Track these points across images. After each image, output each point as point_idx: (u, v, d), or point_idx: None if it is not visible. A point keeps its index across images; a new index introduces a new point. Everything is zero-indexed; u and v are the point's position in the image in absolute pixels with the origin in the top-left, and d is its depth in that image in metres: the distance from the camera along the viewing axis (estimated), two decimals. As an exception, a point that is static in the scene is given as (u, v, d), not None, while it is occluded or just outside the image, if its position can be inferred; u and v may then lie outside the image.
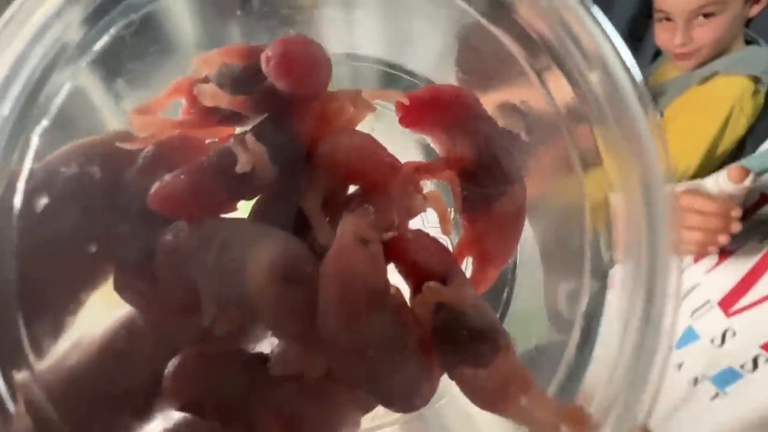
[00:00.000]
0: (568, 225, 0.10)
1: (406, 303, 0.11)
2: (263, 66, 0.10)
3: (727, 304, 0.45)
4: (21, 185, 0.10)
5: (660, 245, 0.07)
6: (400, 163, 0.11)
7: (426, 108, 0.12)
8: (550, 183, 0.11)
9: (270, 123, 0.11)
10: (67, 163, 0.11)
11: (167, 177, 0.11)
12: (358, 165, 0.11)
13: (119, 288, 0.12)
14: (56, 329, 0.10)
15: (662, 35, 0.71)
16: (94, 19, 0.11)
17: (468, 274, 0.12)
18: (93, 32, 0.11)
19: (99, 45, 0.11)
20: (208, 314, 0.11)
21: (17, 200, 0.10)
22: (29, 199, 0.10)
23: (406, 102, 0.12)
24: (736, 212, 0.40)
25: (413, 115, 0.12)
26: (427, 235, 0.11)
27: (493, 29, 0.10)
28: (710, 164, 0.75)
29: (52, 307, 0.10)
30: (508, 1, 0.09)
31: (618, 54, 0.08)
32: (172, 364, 0.11)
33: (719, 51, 0.69)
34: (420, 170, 0.12)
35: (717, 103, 0.69)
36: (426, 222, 0.12)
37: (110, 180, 0.11)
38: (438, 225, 0.12)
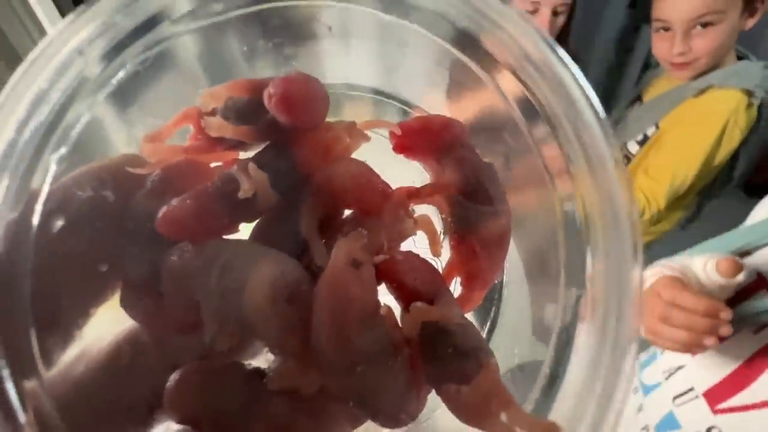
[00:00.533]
0: (547, 247, 0.11)
1: (396, 322, 0.12)
2: (266, 102, 0.11)
3: (713, 398, 0.41)
4: (39, 206, 0.11)
5: (626, 280, 0.08)
6: (391, 189, 0.12)
7: (417, 136, 0.13)
8: (531, 206, 0.12)
9: (271, 151, 0.12)
10: (81, 186, 0.11)
11: (174, 201, 0.12)
12: (353, 191, 0.12)
13: (126, 304, 0.12)
14: (66, 341, 0.11)
15: (660, 45, 0.73)
16: (112, 55, 0.12)
17: (456, 294, 0.13)
18: (110, 68, 0.12)
19: (115, 79, 0.12)
20: (209, 331, 0.12)
21: (35, 220, 0.11)
22: (46, 220, 0.11)
23: (398, 132, 0.13)
24: (726, 314, 0.35)
25: (405, 143, 0.13)
26: (417, 256, 0.12)
27: (465, 59, 0.11)
28: (707, 174, 0.77)
29: (63, 320, 0.11)
30: (475, 35, 0.10)
31: (575, 77, 0.09)
32: (173, 378, 0.12)
33: (715, 62, 0.71)
34: (411, 195, 0.13)
35: (712, 116, 0.71)
36: (417, 244, 0.13)
37: (120, 202, 0.12)
38: (428, 247, 0.13)
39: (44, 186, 0.12)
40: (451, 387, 0.10)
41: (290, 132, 0.12)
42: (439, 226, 0.13)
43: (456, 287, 0.13)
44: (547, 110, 0.09)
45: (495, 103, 0.11)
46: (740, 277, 0.37)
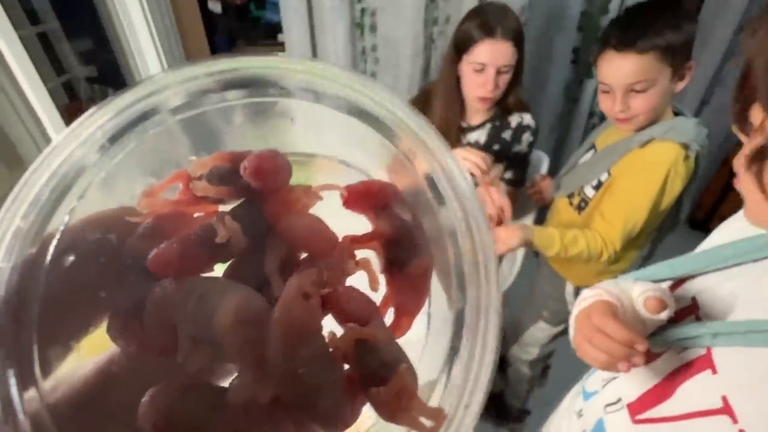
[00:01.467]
0: (447, 286, 0.15)
1: (338, 345, 0.15)
2: (242, 172, 0.15)
3: (634, 409, 0.45)
4: (52, 247, 0.14)
5: (491, 307, 0.12)
6: (337, 237, 0.16)
7: (360, 196, 0.17)
8: (440, 253, 0.16)
9: (244, 206, 0.16)
10: (90, 230, 0.15)
11: (162, 245, 0.15)
12: (307, 239, 0.16)
13: (112, 332, 0.15)
14: (65, 351, 0.14)
15: (605, 102, 0.85)
16: (118, 135, 0.16)
17: (390, 321, 0.17)
18: (117, 145, 0.16)
19: (122, 152, 0.16)
20: (183, 351, 0.15)
21: (47, 258, 0.14)
22: (59, 255, 0.14)
23: (345, 193, 0.17)
24: (641, 346, 0.41)
25: (351, 201, 0.17)
26: (355, 289, 0.15)
27: (394, 148, 0.15)
28: (656, 218, 0.86)
29: (65, 336, 0.14)
30: (399, 136, 0.15)
31: (464, 177, 0.14)
32: (147, 395, 0.15)
33: (654, 118, 0.83)
34: (354, 241, 0.17)
35: (655, 166, 0.81)
36: (360, 281, 0.17)
37: (120, 244, 0.16)
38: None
39: (58, 231, 0.15)
40: (374, 390, 0.13)
41: (260, 193, 0.16)
42: (377, 266, 0.17)
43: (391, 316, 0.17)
44: (443, 189, 0.14)
45: (415, 180, 0.15)
46: (663, 316, 0.43)
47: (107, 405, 0.14)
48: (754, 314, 0.38)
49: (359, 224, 0.19)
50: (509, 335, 1.25)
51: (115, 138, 0.15)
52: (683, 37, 0.75)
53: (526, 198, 1.16)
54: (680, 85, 0.80)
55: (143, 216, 0.16)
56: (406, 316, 0.16)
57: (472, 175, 0.91)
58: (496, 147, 1.11)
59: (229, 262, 0.16)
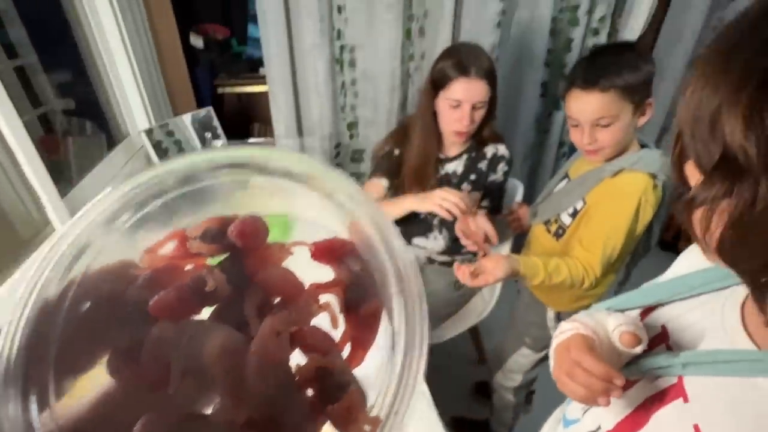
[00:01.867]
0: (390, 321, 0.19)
1: (302, 372, 0.19)
2: (228, 233, 0.19)
3: None
4: (70, 294, 0.18)
5: (419, 336, 0.17)
6: (304, 285, 0.21)
7: (324, 251, 0.22)
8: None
9: (229, 260, 0.20)
10: (102, 280, 0.19)
11: (162, 292, 0.19)
12: (280, 287, 0.20)
13: (110, 369, 0.19)
14: (75, 381, 0.17)
15: (574, 136, 0.95)
16: (129, 207, 0.20)
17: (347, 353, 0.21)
18: (120, 220, 0.20)
19: (135, 218, 0.20)
20: (174, 384, 0.19)
21: (66, 303, 0.18)
22: (75, 301, 0.18)
23: (312, 248, 0.21)
24: (619, 381, 0.42)
25: (318, 254, 0.22)
26: (319, 328, 0.20)
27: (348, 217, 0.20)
28: (631, 243, 0.94)
29: (75, 368, 0.18)
30: (350, 208, 0.20)
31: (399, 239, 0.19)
32: (140, 422, 0.18)
33: (620, 150, 0.93)
34: (318, 288, 0.21)
35: (628, 195, 0.90)
36: (323, 320, 0.21)
37: (120, 292, 0.20)
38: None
39: (74, 282, 0.19)
40: (329, 406, 0.17)
41: (243, 249, 0.20)
42: (338, 308, 0.22)
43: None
44: (382, 248, 0.19)
45: (367, 239, 0.20)
46: (638, 350, 0.45)
47: (107, 427, 0.18)
48: (719, 344, 0.40)
49: (323, 273, 0.24)
50: (492, 362, 1.29)
51: (120, 213, 0.20)
52: (642, 77, 0.85)
53: (504, 226, 1.23)
54: (642, 120, 0.90)
55: (142, 269, 0.20)
56: (361, 349, 0.21)
57: (452, 214, 0.98)
58: (472, 177, 1.19)
59: (215, 306, 0.20)
